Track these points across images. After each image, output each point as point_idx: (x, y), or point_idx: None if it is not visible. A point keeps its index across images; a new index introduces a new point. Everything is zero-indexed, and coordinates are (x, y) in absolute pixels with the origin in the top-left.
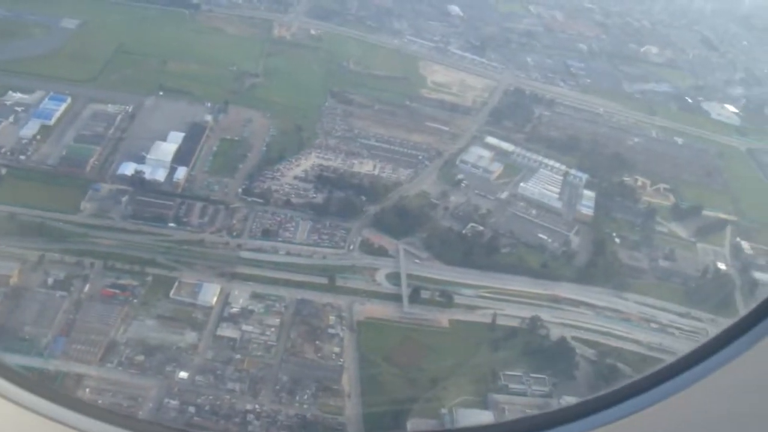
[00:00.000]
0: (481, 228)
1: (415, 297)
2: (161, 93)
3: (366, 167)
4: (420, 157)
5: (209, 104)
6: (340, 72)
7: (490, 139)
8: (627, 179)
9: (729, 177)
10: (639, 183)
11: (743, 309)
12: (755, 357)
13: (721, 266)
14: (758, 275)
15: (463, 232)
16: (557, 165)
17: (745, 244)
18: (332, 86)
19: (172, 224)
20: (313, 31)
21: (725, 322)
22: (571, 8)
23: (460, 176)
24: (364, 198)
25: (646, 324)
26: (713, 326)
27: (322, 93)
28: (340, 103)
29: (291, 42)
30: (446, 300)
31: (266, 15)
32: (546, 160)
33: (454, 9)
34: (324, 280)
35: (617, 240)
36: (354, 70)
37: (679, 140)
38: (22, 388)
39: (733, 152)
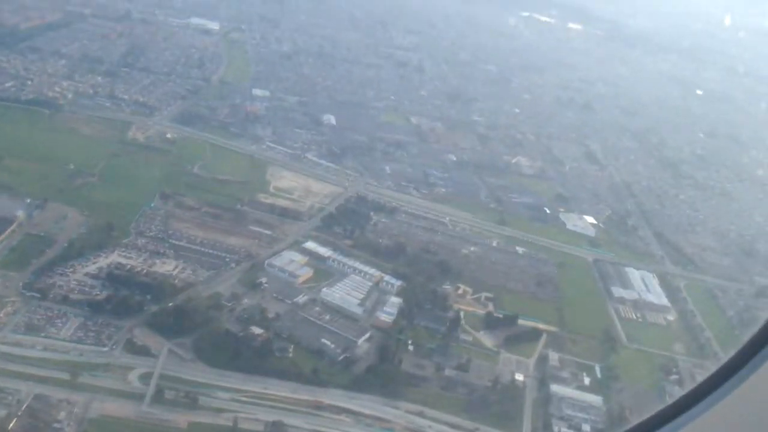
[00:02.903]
0: (261, 331)
1: (159, 397)
2: None
3: (166, 267)
4: (228, 260)
5: (29, 200)
6: (182, 175)
7: (309, 244)
8: (447, 287)
9: (564, 287)
10: (460, 291)
11: (528, 421)
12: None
13: (519, 378)
14: (555, 388)
15: (241, 334)
16: (372, 271)
17: (553, 356)
18: (166, 188)
19: None
20: (169, 135)
21: None
22: (455, 120)
23: (262, 280)
24: (149, 297)
25: None
26: None
27: (153, 194)
28: (168, 205)
29: (142, 144)
30: (191, 402)
31: (129, 118)
32: (362, 267)
33: (328, 118)
34: (70, 377)
35: (411, 348)
36: (197, 173)
37: (521, 250)
38: None
39: (579, 263)
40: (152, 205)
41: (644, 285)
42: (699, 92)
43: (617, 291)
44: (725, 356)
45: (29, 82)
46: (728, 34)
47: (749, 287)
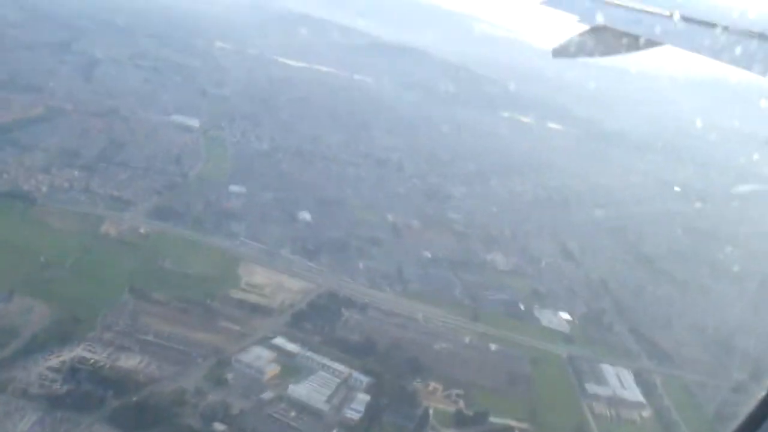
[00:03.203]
0: (224, 428)
1: None
2: None
3: (131, 362)
4: (194, 355)
5: None
6: (153, 269)
7: (278, 340)
8: (417, 384)
9: (537, 384)
10: (430, 388)
11: None
12: None
13: None
14: None
15: (203, 431)
16: (341, 368)
17: None
18: (136, 283)
19: None
20: (142, 230)
21: None
22: (432, 218)
23: (228, 376)
24: (112, 392)
25: None
26: None
27: (122, 288)
28: (137, 300)
29: (115, 239)
30: None
31: (103, 212)
32: (331, 363)
33: (304, 215)
34: None
35: None
36: (168, 268)
37: (494, 347)
38: None
39: (553, 359)
40: (121, 299)
41: (619, 381)
42: (677, 189)
43: (591, 387)
44: None
45: (5, 175)
46: (701, 134)
47: (727, 382)
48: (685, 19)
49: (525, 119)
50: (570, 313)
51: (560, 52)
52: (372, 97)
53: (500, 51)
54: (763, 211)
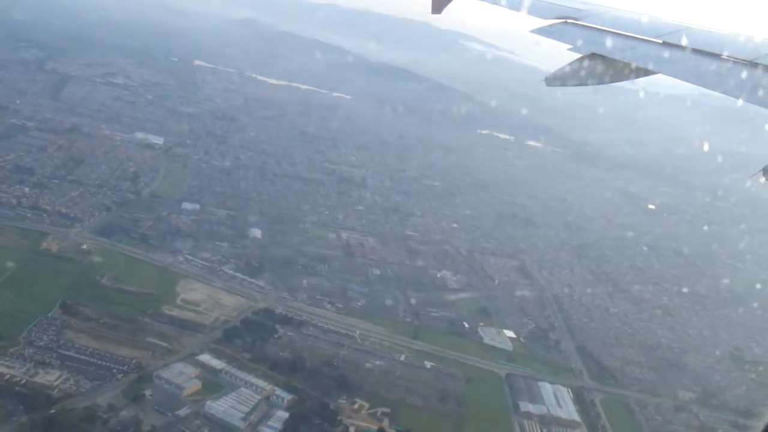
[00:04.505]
0: None
1: None
2: None
3: (48, 378)
4: (115, 371)
5: None
6: (89, 285)
7: (204, 357)
8: (342, 401)
9: (469, 402)
10: (356, 406)
11: None
12: None
13: None
14: None
15: None
16: (264, 385)
17: None
18: (69, 298)
19: None
20: (84, 246)
21: None
22: (388, 235)
23: (147, 392)
24: (22, 408)
25: None
26: None
27: (53, 304)
28: (66, 315)
29: (55, 255)
30: None
31: (48, 229)
32: (255, 380)
33: (254, 232)
34: None
35: None
36: (104, 284)
37: (429, 364)
38: None
39: (490, 377)
40: (50, 314)
41: (555, 400)
42: (651, 206)
43: (525, 405)
44: None
45: None
46: (685, 153)
47: (671, 401)
48: (678, 47)
49: (504, 137)
50: (516, 331)
51: (553, 81)
52: (348, 115)
53: (489, 70)
54: (733, 229)
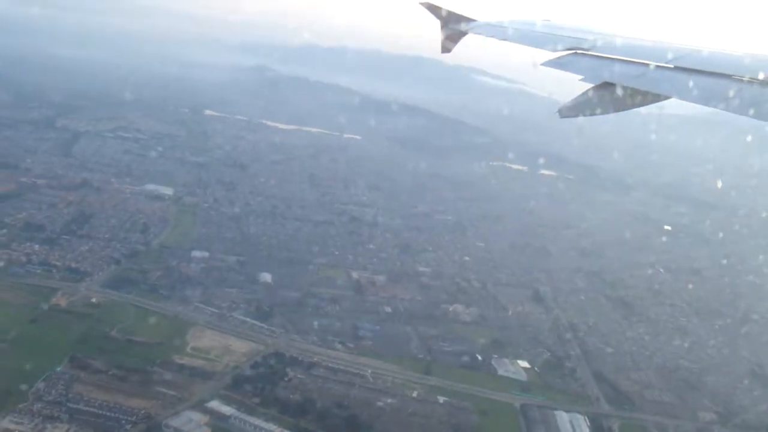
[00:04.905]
0: None
1: None
2: None
3: None
4: (123, 422)
5: None
6: (98, 338)
7: (213, 403)
8: None
9: None
10: None
11: None
12: None
13: None
14: None
15: None
16: (274, 428)
17: None
18: (78, 352)
19: None
20: (94, 300)
21: None
22: (399, 272)
23: None
24: None
25: None
26: None
27: (62, 358)
28: (75, 368)
29: (64, 309)
30: None
31: (57, 284)
32: (265, 424)
33: (265, 276)
34: None
35: None
36: (114, 336)
37: (442, 399)
38: None
39: (505, 409)
40: (58, 369)
41: (571, 428)
42: (667, 228)
43: None
44: None
45: None
46: (725, 176)
47: (691, 423)
48: (689, 70)
49: (516, 167)
50: (530, 361)
51: (567, 112)
52: (358, 155)
53: (500, 102)
54: (751, 246)
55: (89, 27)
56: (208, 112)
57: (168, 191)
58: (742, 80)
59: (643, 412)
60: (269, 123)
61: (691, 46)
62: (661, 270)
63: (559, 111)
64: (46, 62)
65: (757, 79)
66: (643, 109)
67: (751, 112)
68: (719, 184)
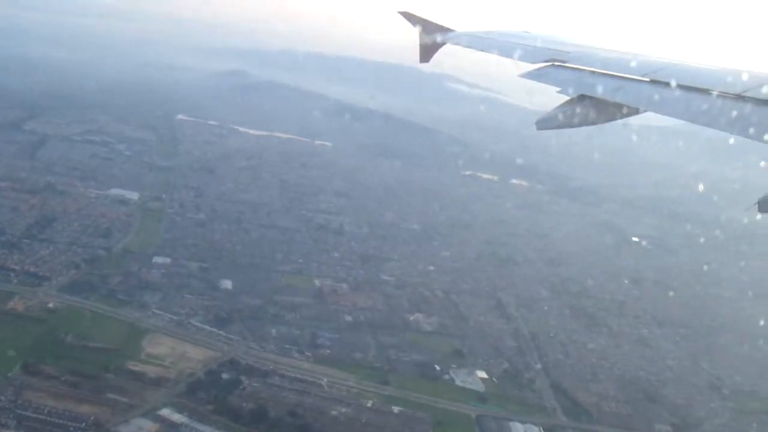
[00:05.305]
0: None
1: None
2: None
3: None
4: (72, 429)
5: None
6: (52, 344)
7: (164, 411)
8: None
9: None
10: None
11: None
12: None
13: None
14: None
15: None
16: None
17: None
18: (31, 358)
19: None
20: (51, 305)
21: None
22: (362, 281)
23: None
24: None
25: None
26: None
27: (14, 365)
28: (27, 374)
29: (20, 314)
30: None
31: (15, 289)
32: None
33: (226, 283)
34: None
35: None
36: (69, 342)
37: (396, 409)
38: None
39: (460, 419)
40: (9, 374)
41: None
42: (635, 239)
43: None
44: None
45: None
46: (698, 189)
47: None
48: (665, 84)
49: (487, 176)
50: (489, 371)
51: (543, 124)
52: (328, 162)
53: (476, 112)
54: (719, 258)
55: (65, 28)
56: (180, 116)
57: (133, 196)
58: (718, 95)
59: (600, 424)
60: (241, 129)
61: (668, 59)
62: (626, 281)
63: (537, 123)
64: (16, 63)
65: (734, 95)
66: (619, 121)
67: (726, 127)
68: (701, 188)
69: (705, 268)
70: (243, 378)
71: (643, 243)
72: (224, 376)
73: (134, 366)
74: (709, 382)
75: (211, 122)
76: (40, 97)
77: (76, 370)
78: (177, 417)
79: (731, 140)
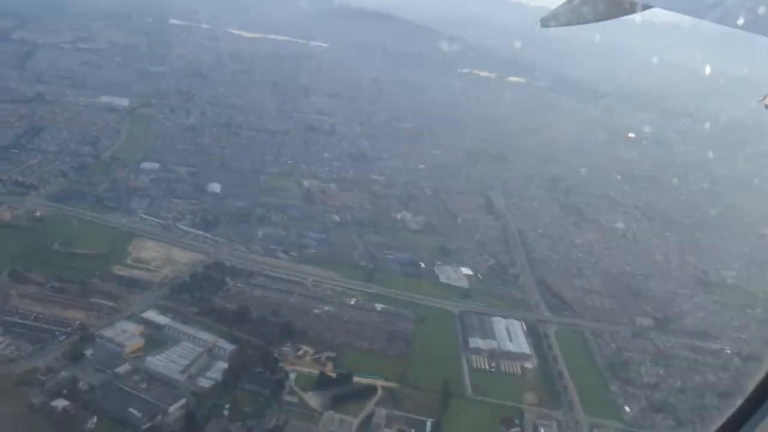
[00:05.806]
0: (67, 404)
1: None
2: None
3: None
4: (58, 333)
5: None
6: (39, 251)
7: (149, 314)
8: (286, 349)
9: (418, 341)
10: (300, 352)
11: None
12: None
13: None
14: None
15: (45, 408)
16: (207, 337)
17: (381, 412)
18: (17, 266)
19: None
20: (38, 213)
21: None
22: (352, 181)
23: (88, 351)
24: None
25: None
26: None
27: (0, 272)
28: (13, 282)
29: (6, 223)
30: None
31: (2, 198)
32: (198, 333)
33: (214, 186)
34: None
35: (226, 412)
36: (55, 249)
37: (380, 307)
38: None
39: (443, 316)
40: None
41: (507, 334)
42: (630, 135)
43: (474, 341)
44: None
45: None
46: (709, 83)
47: (628, 329)
48: None
49: (484, 74)
50: (474, 268)
51: (548, 21)
52: (323, 63)
53: (476, 9)
54: (713, 153)
55: None
56: (172, 20)
57: (123, 103)
58: None
59: (582, 318)
60: (235, 31)
61: None
62: (619, 177)
63: (541, 20)
64: None
65: None
66: (623, 18)
67: (733, 21)
68: (702, 81)
69: (690, 166)
70: (228, 279)
71: (638, 139)
72: (209, 278)
73: (120, 270)
74: (694, 276)
75: (204, 26)
76: (29, 5)
77: (62, 276)
78: (161, 319)
79: (736, 33)
